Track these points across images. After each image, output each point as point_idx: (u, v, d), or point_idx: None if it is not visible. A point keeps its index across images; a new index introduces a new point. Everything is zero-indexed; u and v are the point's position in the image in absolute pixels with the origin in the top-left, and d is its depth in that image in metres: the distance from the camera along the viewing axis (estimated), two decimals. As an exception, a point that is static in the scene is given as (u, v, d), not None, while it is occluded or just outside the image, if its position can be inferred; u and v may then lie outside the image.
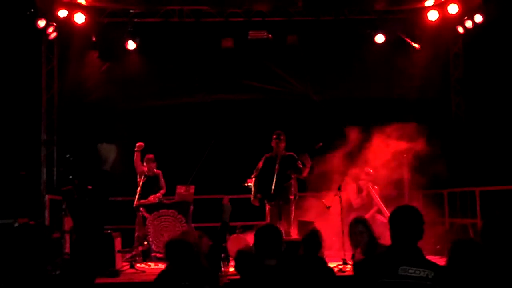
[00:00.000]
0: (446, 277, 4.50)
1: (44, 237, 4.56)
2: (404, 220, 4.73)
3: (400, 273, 4.51)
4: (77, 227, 10.87)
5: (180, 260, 5.56)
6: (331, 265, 9.58)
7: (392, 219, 4.82)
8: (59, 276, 4.70)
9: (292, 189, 10.97)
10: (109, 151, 13.77)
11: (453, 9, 13.19)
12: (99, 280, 8.91)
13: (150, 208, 11.60)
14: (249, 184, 11.21)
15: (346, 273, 9.25)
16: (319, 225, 11.48)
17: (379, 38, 13.91)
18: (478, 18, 13.05)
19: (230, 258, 10.65)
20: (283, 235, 6.34)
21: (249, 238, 11.98)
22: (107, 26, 13.63)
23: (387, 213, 10.46)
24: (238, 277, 9.27)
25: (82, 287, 5.00)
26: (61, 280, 4.56)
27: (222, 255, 9.73)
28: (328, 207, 10.90)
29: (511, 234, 4.64)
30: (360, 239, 6.95)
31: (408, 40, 13.92)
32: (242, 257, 5.66)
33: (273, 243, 5.34)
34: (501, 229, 4.72)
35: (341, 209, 10.72)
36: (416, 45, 13.91)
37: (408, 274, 4.49)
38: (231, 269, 9.99)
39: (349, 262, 9.57)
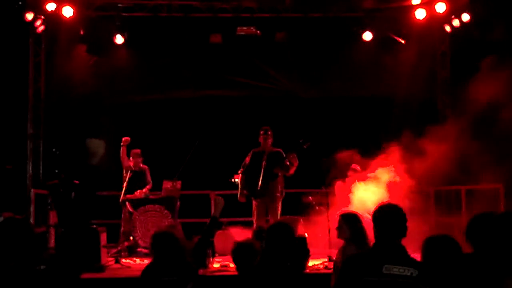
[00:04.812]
0: (430, 276, 4.51)
1: (27, 232, 4.55)
2: (388, 218, 4.71)
3: (384, 271, 4.49)
4: (63, 221, 10.85)
5: (166, 254, 5.56)
6: (317, 262, 9.66)
7: (376, 218, 4.78)
8: (44, 271, 4.68)
9: (279, 186, 10.97)
10: (98, 146, 13.72)
11: (440, 8, 13.22)
12: (84, 275, 8.89)
13: (137, 203, 11.58)
14: (236, 180, 11.21)
15: (331, 271, 9.23)
16: (305, 222, 11.58)
17: (367, 36, 13.93)
18: (466, 17, 13.10)
19: (216, 254, 10.70)
20: None
21: (235, 234, 12.04)
22: (95, 20, 13.54)
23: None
24: (222, 273, 9.39)
25: (68, 282, 5.00)
26: (47, 275, 4.55)
27: (209, 250, 9.78)
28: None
29: (495, 233, 4.66)
30: (340, 233, 6.97)
31: (395, 37, 13.93)
32: (241, 250, 5.64)
33: (286, 241, 5.33)
34: (486, 227, 4.74)
35: (328, 206, 10.73)
36: (402, 41, 13.92)
37: (392, 272, 4.47)
38: (216, 265, 10.04)
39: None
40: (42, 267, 4.71)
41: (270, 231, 5.47)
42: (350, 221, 6.89)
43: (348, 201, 11.42)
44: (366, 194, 10.97)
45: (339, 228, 6.94)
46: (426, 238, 4.87)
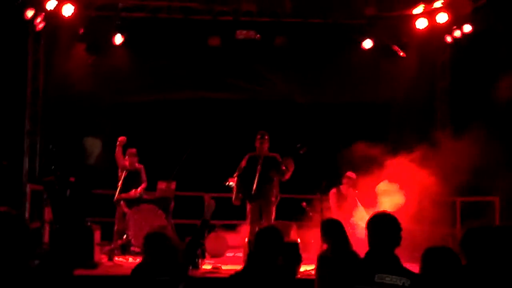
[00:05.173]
0: (422, 286, 4.52)
1: (22, 226, 4.55)
2: (382, 227, 4.75)
3: (376, 280, 4.52)
4: (57, 218, 10.86)
5: (159, 254, 5.56)
6: (309, 268, 9.66)
7: (370, 226, 4.83)
8: (37, 267, 4.68)
9: (274, 190, 10.96)
10: (94, 145, 13.73)
11: (442, 18, 13.19)
12: (77, 272, 8.93)
13: (131, 202, 11.60)
14: (231, 183, 11.20)
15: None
16: (298, 227, 11.59)
17: (367, 44, 13.94)
18: (467, 28, 13.10)
19: (206, 255, 10.74)
20: None
21: (229, 237, 12.07)
22: (95, 19, 13.49)
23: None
24: (213, 275, 9.43)
25: (61, 278, 5.00)
26: (40, 271, 4.55)
27: (199, 251, 9.83)
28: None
29: (490, 244, 4.66)
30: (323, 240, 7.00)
31: (395, 48, 13.91)
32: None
33: (273, 245, 5.34)
34: (481, 239, 4.75)
35: (321, 211, 10.72)
36: (402, 54, 13.91)
37: (384, 281, 4.50)
38: (208, 267, 10.07)
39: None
40: (35, 262, 4.71)
41: (258, 236, 5.49)
42: (328, 228, 6.92)
43: (343, 208, 11.48)
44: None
45: (321, 235, 6.98)
46: (426, 249, 4.85)
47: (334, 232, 6.85)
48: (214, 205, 6.61)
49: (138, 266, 5.84)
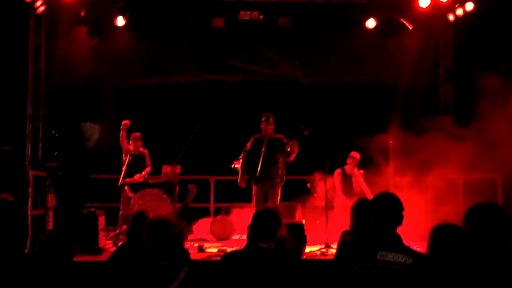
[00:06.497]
0: (424, 263, 4.54)
1: (17, 214, 4.54)
2: (384, 206, 4.82)
3: (378, 257, 4.59)
4: (60, 204, 10.85)
5: (162, 241, 5.53)
6: (314, 248, 9.66)
7: (372, 205, 4.92)
8: (36, 253, 4.67)
9: (279, 171, 10.94)
10: (92, 130, 13.70)
11: (444, -5, 13.13)
12: (82, 258, 8.95)
13: (136, 187, 11.56)
14: (236, 165, 11.18)
15: (328, 257, 9.23)
16: (303, 208, 11.58)
17: (370, 23, 13.86)
18: (469, 6, 13.03)
19: (213, 238, 10.72)
20: None
21: (234, 219, 12.08)
22: (96, 1, 13.42)
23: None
24: (218, 258, 9.40)
25: (60, 264, 4.99)
26: (38, 257, 4.54)
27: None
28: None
29: (493, 222, 4.63)
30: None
31: (402, 20, 13.78)
32: None
33: (268, 227, 5.34)
34: (484, 217, 4.72)
35: (326, 192, 10.71)
36: (410, 26, 13.78)
37: (386, 259, 4.57)
38: (214, 250, 10.06)
39: (332, 246, 9.61)
40: (35, 249, 4.70)
41: (254, 219, 5.49)
42: (358, 208, 6.83)
43: (347, 188, 11.49)
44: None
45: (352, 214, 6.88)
46: (434, 227, 4.90)
47: (364, 212, 6.77)
48: (196, 190, 6.59)
49: (121, 248, 5.82)
